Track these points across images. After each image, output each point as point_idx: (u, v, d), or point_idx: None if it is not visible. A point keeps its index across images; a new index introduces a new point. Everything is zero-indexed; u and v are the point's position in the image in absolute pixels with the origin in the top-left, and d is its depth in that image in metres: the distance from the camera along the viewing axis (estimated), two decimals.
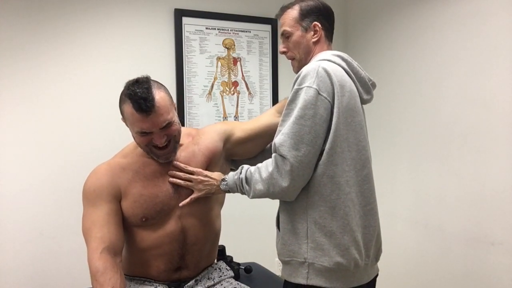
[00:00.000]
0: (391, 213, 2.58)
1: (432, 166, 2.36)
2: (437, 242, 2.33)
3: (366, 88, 1.40)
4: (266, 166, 1.28)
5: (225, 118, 2.80)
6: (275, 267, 2.87)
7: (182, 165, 1.43)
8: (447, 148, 2.26)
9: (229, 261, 1.83)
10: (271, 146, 1.63)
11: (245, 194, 1.35)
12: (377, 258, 1.41)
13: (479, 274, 2.10)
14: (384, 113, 2.65)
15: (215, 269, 1.60)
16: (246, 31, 2.84)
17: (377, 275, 1.43)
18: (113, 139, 2.34)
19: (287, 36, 1.41)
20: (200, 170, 1.43)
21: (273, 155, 1.27)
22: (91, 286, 1.27)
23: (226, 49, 2.79)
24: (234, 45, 2.81)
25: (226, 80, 2.80)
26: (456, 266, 2.22)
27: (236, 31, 2.81)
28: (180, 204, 1.42)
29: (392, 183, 2.62)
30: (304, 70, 1.26)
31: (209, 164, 1.49)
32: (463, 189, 2.18)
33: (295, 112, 1.22)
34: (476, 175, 2.11)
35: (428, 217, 2.39)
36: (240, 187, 1.35)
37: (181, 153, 1.47)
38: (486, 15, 2.05)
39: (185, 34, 2.67)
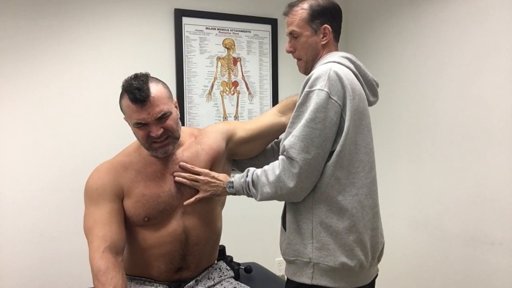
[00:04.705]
0: (391, 213, 2.58)
1: (432, 166, 2.36)
2: (437, 242, 2.33)
3: (372, 90, 1.41)
4: (273, 169, 1.27)
5: (225, 118, 2.80)
6: (275, 267, 2.88)
7: (189, 165, 1.43)
8: (447, 148, 2.26)
9: (229, 261, 1.83)
10: (271, 146, 1.64)
11: (252, 197, 1.35)
12: (379, 258, 1.41)
13: (479, 274, 2.10)
14: (384, 113, 2.65)
15: (215, 269, 1.60)
16: (246, 31, 2.84)
17: (376, 275, 1.44)
18: (113, 139, 2.33)
19: (295, 36, 1.38)
20: (208, 171, 1.43)
21: (280, 157, 1.27)
22: (93, 286, 1.27)
23: (226, 49, 2.79)
24: (234, 45, 2.81)
25: (226, 80, 2.80)
26: (456, 266, 2.22)
27: (236, 31, 2.81)
28: (185, 203, 1.42)
29: (392, 183, 2.62)
30: (315, 72, 1.25)
31: (213, 163, 1.48)
32: (463, 189, 2.18)
33: (306, 115, 1.22)
34: (476, 175, 2.11)
35: (428, 217, 2.39)
36: (247, 190, 1.35)
37: (184, 153, 1.46)
38: (486, 15, 2.05)
39: (185, 34, 2.67)
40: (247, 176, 1.35)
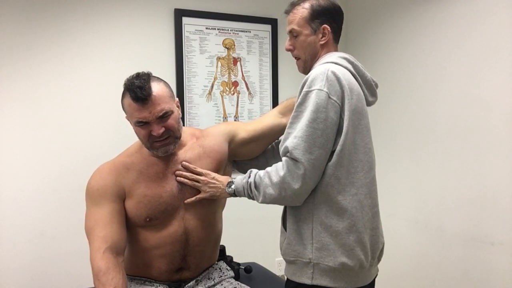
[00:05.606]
0: (391, 213, 2.58)
1: (432, 166, 2.36)
2: (437, 242, 2.33)
3: (371, 90, 1.41)
4: (276, 170, 1.26)
5: (225, 118, 2.80)
6: (275, 267, 2.88)
7: (191, 166, 1.43)
8: (447, 148, 2.27)
9: (229, 261, 1.83)
10: (272, 147, 1.64)
11: (253, 199, 1.34)
12: (379, 258, 1.41)
13: (479, 274, 2.10)
14: (384, 113, 2.65)
15: (216, 269, 1.60)
16: (246, 31, 2.84)
17: (376, 275, 1.44)
18: (114, 139, 2.34)
19: (294, 35, 1.39)
20: (209, 172, 1.43)
21: (283, 158, 1.26)
22: (93, 286, 1.27)
23: (226, 49, 2.79)
24: (234, 45, 2.81)
25: (226, 80, 2.80)
26: (456, 266, 2.22)
27: (236, 31, 2.81)
28: (186, 201, 1.42)
29: (392, 183, 2.62)
30: (313, 73, 1.25)
31: (216, 166, 1.48)
32: (463, 189, 2.18)
33: (307, 115, 1.21)
34: (476, 175, 2.11)
35: (428, 217, 2.39)
36: (248, 191, 1.34)
37: (187, 154, 1.46)
38: (486, 15, 2.05)
39: (185, 34, 2.67)
40: (249, 177, 1.34)
